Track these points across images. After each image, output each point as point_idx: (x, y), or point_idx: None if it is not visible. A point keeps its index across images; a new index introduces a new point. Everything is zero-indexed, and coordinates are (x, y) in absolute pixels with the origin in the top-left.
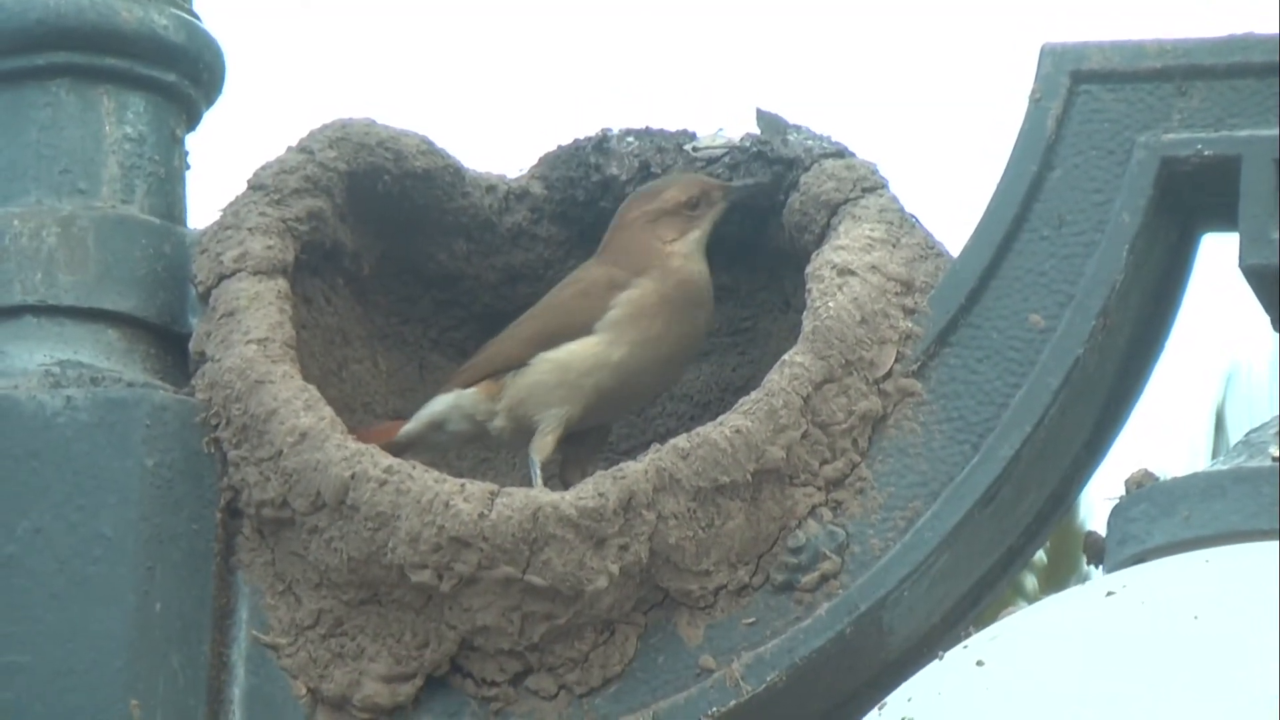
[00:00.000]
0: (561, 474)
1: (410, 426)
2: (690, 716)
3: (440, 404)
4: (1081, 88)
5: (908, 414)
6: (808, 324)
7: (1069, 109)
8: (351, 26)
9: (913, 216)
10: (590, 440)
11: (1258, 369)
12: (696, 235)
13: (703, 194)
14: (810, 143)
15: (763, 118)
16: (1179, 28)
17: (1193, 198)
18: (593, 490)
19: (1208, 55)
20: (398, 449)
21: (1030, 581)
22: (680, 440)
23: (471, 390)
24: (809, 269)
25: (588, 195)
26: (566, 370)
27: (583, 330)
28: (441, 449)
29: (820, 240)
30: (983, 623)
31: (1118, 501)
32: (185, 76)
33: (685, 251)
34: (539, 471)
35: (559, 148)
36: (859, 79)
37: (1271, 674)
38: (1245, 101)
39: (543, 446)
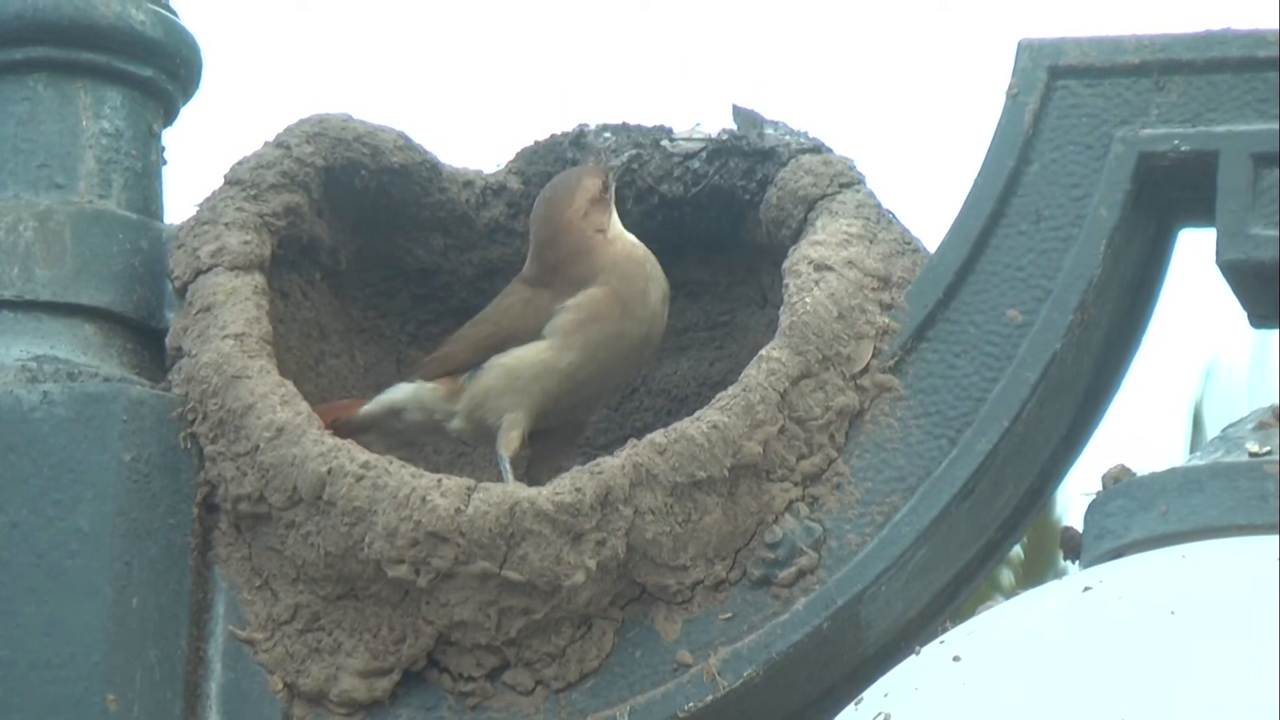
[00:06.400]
0: (529, 470)
1: (369, 408)
2: (667, 711)
3: (401, 392)
4: (1059, 83)
5: (885, 409)
6: (785, 319)
7: (1046, 104)
8: (329, 22)
9: (890, 212)
10: (562, 436)
11: (1235, 364)
12: (615, 216)
13: (606, 177)
14: (787, 138)
15: (739, 113)
16: (1156, 23)
17: (1170, 193)
18: (570, 485)
19: (1185, 50)
20: (354, 428)
21: (1007, 576)
22: (657, 435)
23: (433, 385)
24: (786, 264)
25: None
26: (515, 376)
27: (532, 335)
28: (396, 436)
29: (797, 235)
30: (959, 618)
31: (1095, 496)
32: (162, 71)
33: (620, 234)
34: (508, 467)
35: (536, 143)
36: (836, 74)
37: (1248, 668)
38: (1223, 97)
39: (509, 442)
